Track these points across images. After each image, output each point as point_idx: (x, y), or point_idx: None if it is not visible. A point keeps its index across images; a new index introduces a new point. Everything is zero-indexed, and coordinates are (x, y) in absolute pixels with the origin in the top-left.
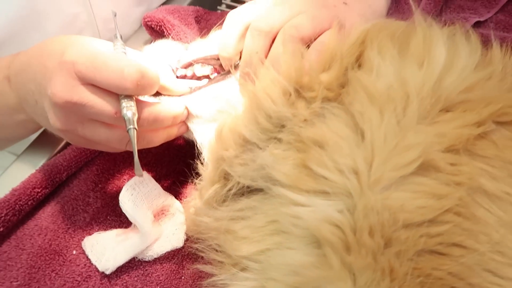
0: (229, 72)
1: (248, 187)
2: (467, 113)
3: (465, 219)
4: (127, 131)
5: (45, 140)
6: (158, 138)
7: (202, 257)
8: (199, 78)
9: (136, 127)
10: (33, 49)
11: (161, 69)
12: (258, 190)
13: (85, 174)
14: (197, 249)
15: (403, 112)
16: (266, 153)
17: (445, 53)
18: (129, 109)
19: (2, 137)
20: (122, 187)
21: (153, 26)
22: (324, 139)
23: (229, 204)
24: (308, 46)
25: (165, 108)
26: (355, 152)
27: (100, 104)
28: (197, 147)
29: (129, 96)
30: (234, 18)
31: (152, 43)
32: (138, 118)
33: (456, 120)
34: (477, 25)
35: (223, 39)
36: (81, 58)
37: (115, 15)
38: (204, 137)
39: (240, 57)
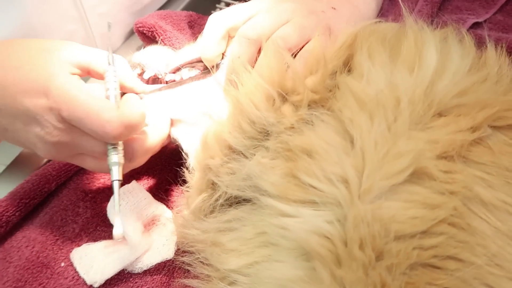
0: (208, 71)
1: (236, 197)
2: (461, 117)
3: (460, 230)
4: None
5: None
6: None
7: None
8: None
9: (121, 179)
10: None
11: (123, 69)
12: (246, 201)
13: (74, 183)
14: (183, 262)
15: (394, 118)
16: (253, 162)
17: (436, 57)
18: (114, 157)
19: None
20: (112, 196)
21: (145, 32)
22: (312, 147)
23: (216, 216)
24: (295, 55)
25: (155, 136)
26: (345, 160)
27: (90, 145)
28: (183, 153)
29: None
30: (216, 20)
31: (143, 49)
32: (130, 158)
33: (450, 126)
34: (475, 26)
35: (204, 41)
36: (64, 105)
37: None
38: (189, 142)
39: (222, 58)
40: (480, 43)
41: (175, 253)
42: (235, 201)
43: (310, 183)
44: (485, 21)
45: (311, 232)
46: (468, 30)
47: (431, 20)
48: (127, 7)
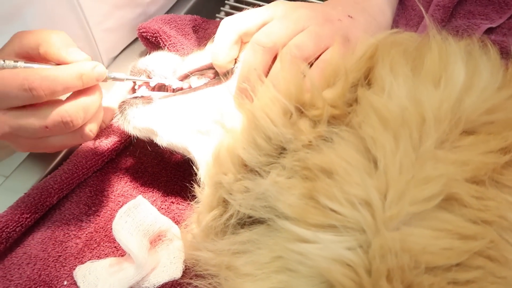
0: (218, 79)
1: (249, 217)
2: (491, 137)
3: (498, 265)
4: None
5: (34, 161)
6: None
7: None
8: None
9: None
10: None
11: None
12: (260, 222)
13: (77, 197)
14: (196, 286)
15: (419, 137)
16: (268, 180)
17: (464, 71)
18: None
19: None
20: (116, 210)
21: (148, 37)
22: (332, 166)
23: (230, 237)
24: (311, 64)
25: (65, 67)
26: (367, 182)
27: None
28: (194, 166)
29: None
30: (228, 25)
31: (148, 54)
32: (33, 89)
33: (479, 146)
34: (488, 31)
35: (215, 46)
36: None
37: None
38: (199, 153)
39: (235, 63)
40: (497, 50)
41: (185, 276)
42: (249, 221)
43: (330, 206)
44: (498, 26)
45: (331, 259)
46: (481, 35)
47: (443, 25)
48: (131, 19)
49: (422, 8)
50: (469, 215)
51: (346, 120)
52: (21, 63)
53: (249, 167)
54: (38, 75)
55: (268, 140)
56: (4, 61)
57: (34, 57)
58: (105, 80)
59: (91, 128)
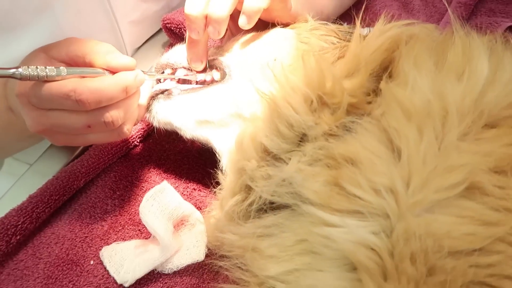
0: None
1: (271, 202)
2: None
3: None
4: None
5: (56, 149)
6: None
7: (224, 274)
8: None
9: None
10: None
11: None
12: (284, 207)
13: (102, 181)
14: (220, 266)
15: (442, 129)
16: (292, 167)
17: (487, 65)
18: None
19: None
20: (140, 194)
21: (172, 28)
22: (357, 156)
23: (254, 221)
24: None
25: (111, 80)
26: (392, 171)
27: (70, 121)
28: (216, 154)
29: None
30: None
31: (170, 46)
32: (81, 101)
33: (502, 138)
34: (509, 29)
35: None
36: (31, 91)
37: None
38: (221, 144)
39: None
40: None
41: (208, 254)
42: (270, 207)
43: (355, 193)
44: None
45: (356, 243)
46: (502, 33)
47: (464, 23)
48: (155, 12)
49: (446, 3)
50: (491, 203)
51: (366, 111)
52: (63, 68)
53: (272, 154)
54: (86, 88)
55: (290, 128)
56: (46, 67)
57: (79, 65)
58: None
59: (128, 127)
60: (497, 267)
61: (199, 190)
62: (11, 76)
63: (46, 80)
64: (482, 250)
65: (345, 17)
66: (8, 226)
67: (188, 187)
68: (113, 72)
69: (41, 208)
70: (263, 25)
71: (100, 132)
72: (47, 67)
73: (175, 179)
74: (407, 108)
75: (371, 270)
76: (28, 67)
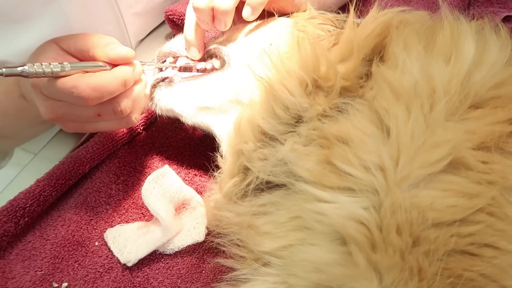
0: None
1: (268, 182)
2: (498, 109)
3: (498, 220)
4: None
5: (62, 137)
6: (136, 114)
7: (223, 252)
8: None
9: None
10: None
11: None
12: (280, 186)
13: (107, 167)
14: (218, 243)
15: (430, 108)
16: (287, 148)
17: (474, 48)
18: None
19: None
20: (143, 180)
21: (175, 19)
22: (348, 135)
23: (251, 200)
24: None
25: (109, 75)
26: (381, 149)
27: (79, 112)
28: (216, 140)
29: None
30: None
31: (173, 37)
32: (82, 97)
33: (487, 117)
34: (506, 19)
35: None
36: (40, 82)
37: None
38: (221, 129)
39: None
40: None
41: (207, 234)
42: (267, 186)
43: (346, 170)
44: None
45: (347, 217)
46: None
47: (461, 13)
48: (158, 4)
49: None
50: (474, 177)
51: (359, 93)
52: (66, 64)
53: (268, 136)
54: (87, 85)
55: (286, 110)
56: (50, 64)
57: (86, 58)
58: None
59: (136, 116)
60: (477, 236)
61: (200, 175)
62: (20, 75)
63: (51, 75)
64: (464, 220)
65: (345, 8)
66: (17, 208)
67: (189, 173)
68: (113, 64)
69: (48, 191)
70: (266, 16)
71: (110, 120)
72: (52, 63)
73: (177, 165)
74: (397, 89)
75: (360, 242)
76: (33, 64)
